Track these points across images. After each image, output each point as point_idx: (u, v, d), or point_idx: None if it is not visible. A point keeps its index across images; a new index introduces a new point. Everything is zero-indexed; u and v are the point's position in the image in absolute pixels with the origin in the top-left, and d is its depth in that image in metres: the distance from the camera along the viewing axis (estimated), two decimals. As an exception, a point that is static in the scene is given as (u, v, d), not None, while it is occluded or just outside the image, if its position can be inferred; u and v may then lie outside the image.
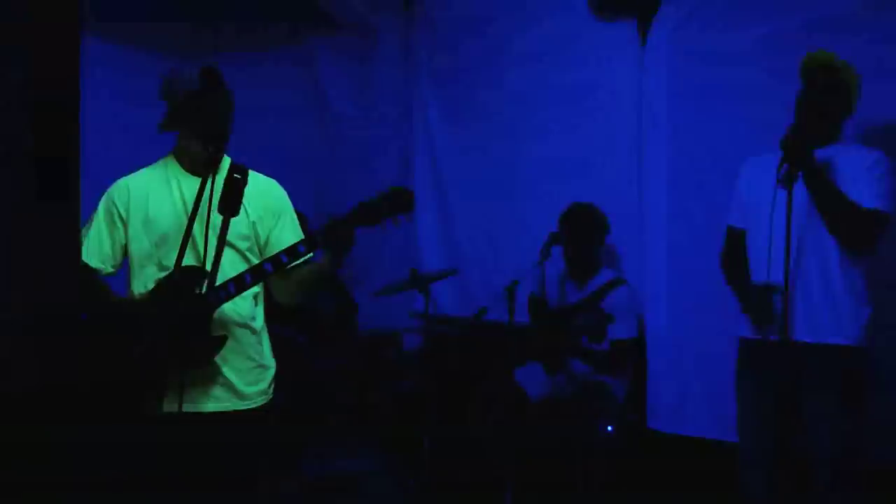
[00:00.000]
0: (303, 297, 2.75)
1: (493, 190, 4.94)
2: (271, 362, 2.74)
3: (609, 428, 3.80)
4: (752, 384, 3.10)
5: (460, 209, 5.16)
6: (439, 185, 5.23)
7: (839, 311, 2.94)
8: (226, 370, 2.57)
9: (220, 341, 2.52)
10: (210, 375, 2.55)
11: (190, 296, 2.48)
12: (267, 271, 2.53)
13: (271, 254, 2.64)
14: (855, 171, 2.95)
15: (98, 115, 3.97)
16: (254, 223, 2.65)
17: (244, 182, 2.60)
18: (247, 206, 2.62)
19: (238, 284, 2.52)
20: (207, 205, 2.50)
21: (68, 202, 1.56)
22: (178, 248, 2.47)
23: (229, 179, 2.58)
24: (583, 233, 4.10)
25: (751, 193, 3.14)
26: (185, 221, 2.50)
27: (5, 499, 1.46)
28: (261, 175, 2.74)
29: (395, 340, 5.15)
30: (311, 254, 2.61)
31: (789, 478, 3.01)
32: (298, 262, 2.59)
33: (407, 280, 4.33)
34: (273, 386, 2.72)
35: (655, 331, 4.15)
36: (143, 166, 2.72)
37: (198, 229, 2.54)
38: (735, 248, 3.23)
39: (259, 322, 2.70)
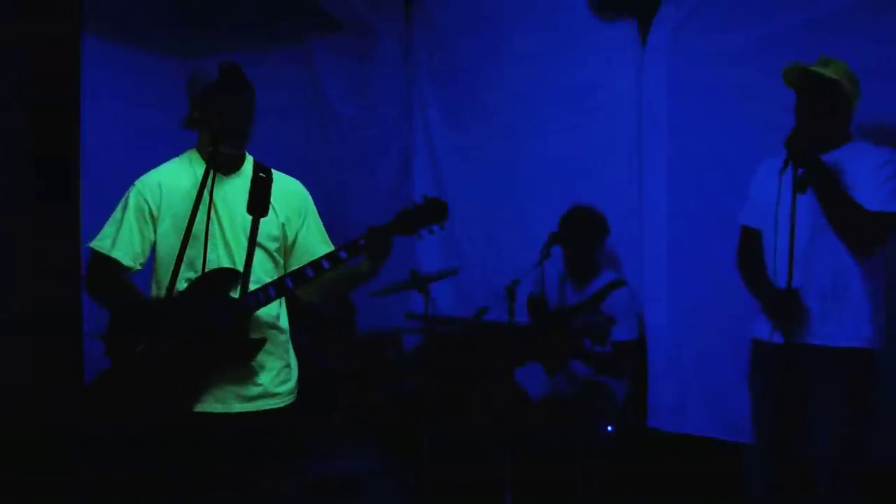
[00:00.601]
0: (326, 298, 2.78)
1: (493, 190, 4.94)
2: (295, 362, 2.74)
3: (609, 428, 3.80)
4: (764, 386, 3.08)
5: (460, 209, 5.12)
6: (439, 185, 5.22)
7: (853, 314, 2.92)
8: (259, 370, 2.58)
9: (260, 343, 2.53)
10: (245, 376, 2.55)
11: (226, 297, 2.49)
12: (308, 276, 2.53)
13: (297, 254, 2.67)
14: (863, 171, 2.93)
15: (98, 115, 3.97)
16: (283, 224, 2.65)
17: (270, 181, 2.62)
18: (275, 206, 2.62)
19: (279, 288, 2.53)
20: (208, 202, 2.49)
21: (68, 202, 1.56)
22: (207, 247, 2.48)
23: (256, 179, 2.59)
24: (583, 235, 4.10)
25: (762, 195, 3.12)
26: (213, 219, 2.51)
27: (9, 497, 1.46)
28: (284, 174, 2.74)
29: (394, 340, 5.15)
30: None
31: (794, 479, 3.00)
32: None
33: (407, 280, 4.33)
34: (297, 386, 2.73)
35: (655, 330, 4.15)
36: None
37: (228, 229, 2.55)
38: (751, 248, 3.19)
39: (284, 322, 2.70)
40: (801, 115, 3.01)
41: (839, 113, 3.02)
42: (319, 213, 2.80)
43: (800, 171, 2.88)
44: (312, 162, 5.79)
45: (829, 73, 2.97)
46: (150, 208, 2.58)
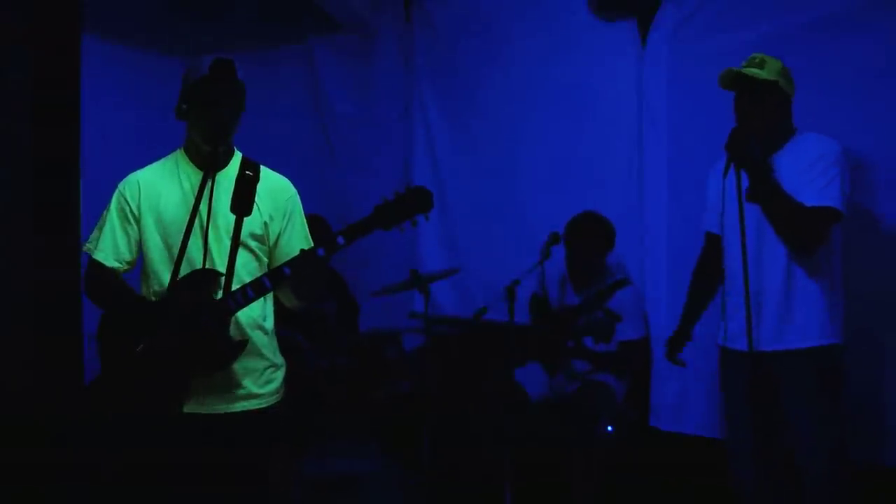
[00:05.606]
0: (306, 301, 2.72)
1: (493, 190, 4.94)
2: (282, 361, 2.71)
3: (609, 428, 3.80)
4: (731, 388, 3.13)
5: (460, 209, 5.16)
6: (439, 185, 5.22)
7: (808, 313, 2.93)
8: (240, 372, 2.55)
9: (242, 345, 2.51)
10: (225, 378, 2.53)
11: (208, 300, 2.47)
12: (285, 274, 2.48)
13: (278, 254, 2.64)
14: (800, 165, 2.93)
15: (98, 115, 3.97)
16: (266, 223, 2.62)
17: (256, 179, 2.59)
18: (259, 204, 2.59)
19: (257, 289, 2.49)
20: (209, 202, 2.49)
21: (68, 202, 1.56)
22: (188, 246, 2.47)
23: (241, 177, 2.56)
24: (589, 244, 4.07)
25: (713, 199, 3.16)
26: (196, 218, 2.49)
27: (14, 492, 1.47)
28: (273, 172, 2.70)
29: (395, 340, 5.15)
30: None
31: (775, 472, 3.03)
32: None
33: (407, 280, 4.33)
34: (284, 385, 2.70)
35: (656, 330, 4.14)
36: (143, 166, 2.69)
37: (211, 228, 2.52)
38: (709, 253, 3.27)
39: (270, 322, 2.67)
40: (740, 117, 3.01)
41: (779, 112, 3.01)
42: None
43: (736, 168, 2.90)
44: (313, 162, 5.80)
45: (764, 74, 2.96)
46: (130, 208, 2.58)
